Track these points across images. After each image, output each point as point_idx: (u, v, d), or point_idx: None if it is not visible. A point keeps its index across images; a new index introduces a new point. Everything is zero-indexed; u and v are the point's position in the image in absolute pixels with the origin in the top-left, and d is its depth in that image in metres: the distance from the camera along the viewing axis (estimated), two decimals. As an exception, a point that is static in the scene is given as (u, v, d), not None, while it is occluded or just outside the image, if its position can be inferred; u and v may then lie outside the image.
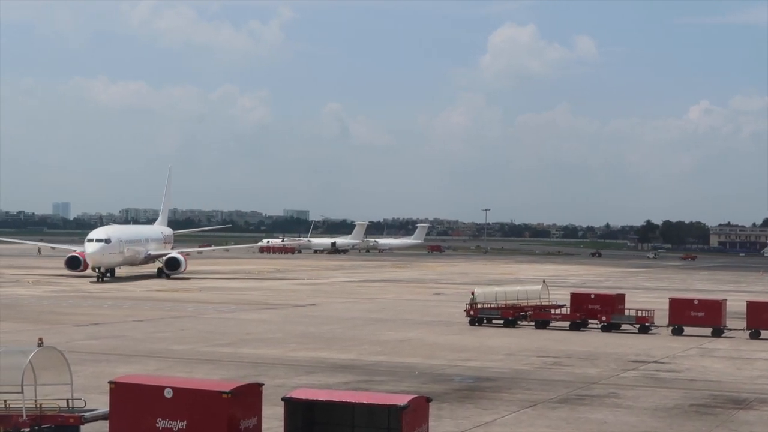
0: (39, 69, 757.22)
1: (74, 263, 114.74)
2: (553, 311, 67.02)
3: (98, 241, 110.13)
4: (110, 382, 25.52)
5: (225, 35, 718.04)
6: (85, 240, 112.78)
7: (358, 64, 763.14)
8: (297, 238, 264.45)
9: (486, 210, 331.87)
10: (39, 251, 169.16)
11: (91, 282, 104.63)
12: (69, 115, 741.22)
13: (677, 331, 62.55)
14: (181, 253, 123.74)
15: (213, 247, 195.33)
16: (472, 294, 68.49)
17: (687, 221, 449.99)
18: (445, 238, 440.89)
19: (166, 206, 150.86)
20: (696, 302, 64.49)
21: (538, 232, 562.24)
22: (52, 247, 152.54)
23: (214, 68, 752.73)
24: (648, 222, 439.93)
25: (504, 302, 67.53)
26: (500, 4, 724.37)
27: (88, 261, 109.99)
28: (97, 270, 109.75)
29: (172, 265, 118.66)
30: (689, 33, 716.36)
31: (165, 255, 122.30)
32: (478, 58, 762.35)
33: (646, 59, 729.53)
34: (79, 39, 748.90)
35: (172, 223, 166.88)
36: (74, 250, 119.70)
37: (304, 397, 24.70)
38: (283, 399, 24.63)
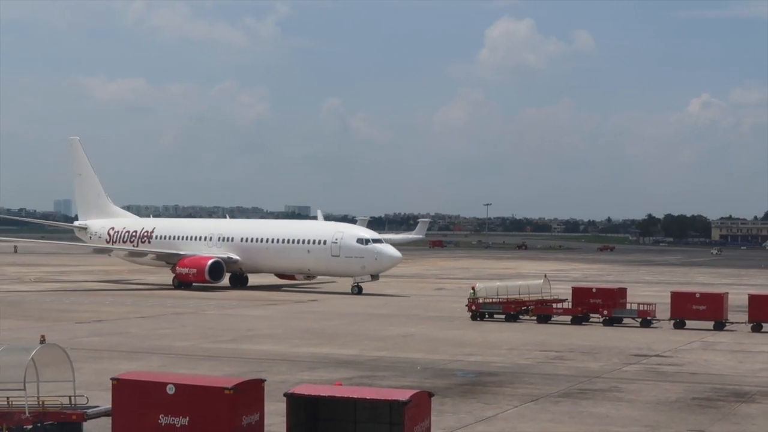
0: (37, 67, 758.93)
1: (217, 272, 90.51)
2: (554, 305, 67.01)
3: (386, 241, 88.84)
4: (113, 379, 25.53)
5: (222, 32, 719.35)
6: (356, 240, 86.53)
7: (356, 59, 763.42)
8: None
9: (487, 205, 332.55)
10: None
11: (353, 294, 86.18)
12: (68, 113, 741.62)
13: (679, 325, 62.55)
14: None
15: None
16: (473, 289, 68.53)
17: (688, 215, 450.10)
18: (447, 233, 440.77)
19: (93, 193, 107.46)
20: (698, 296, 64.30)
21: (540, 227, 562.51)
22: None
23: (212, 65, 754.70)
24: (649, 216, 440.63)
25: (505, 297, 67.55)
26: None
27: (385, 266, 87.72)
28: (358, 280, 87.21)
29: None
30: (689, 26, 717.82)
31: None
32: (476, 53, 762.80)
33: (646, 53, 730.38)
34: (77, 37, 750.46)
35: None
36: (182, 255, 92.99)
37: (306, 393, 24.72)
38: (285, 395, 24.64)
